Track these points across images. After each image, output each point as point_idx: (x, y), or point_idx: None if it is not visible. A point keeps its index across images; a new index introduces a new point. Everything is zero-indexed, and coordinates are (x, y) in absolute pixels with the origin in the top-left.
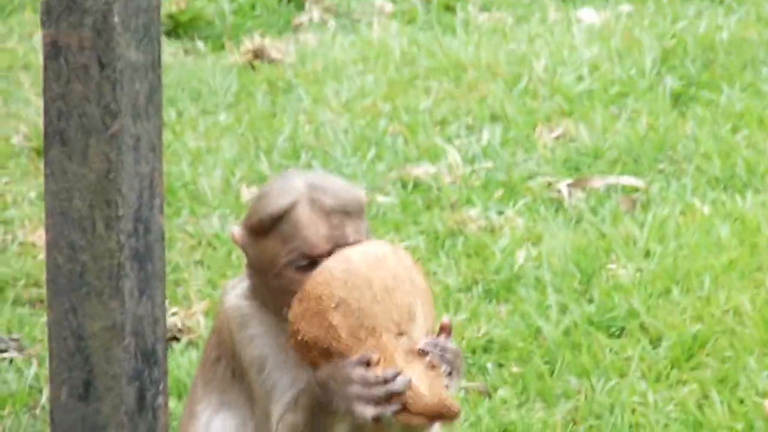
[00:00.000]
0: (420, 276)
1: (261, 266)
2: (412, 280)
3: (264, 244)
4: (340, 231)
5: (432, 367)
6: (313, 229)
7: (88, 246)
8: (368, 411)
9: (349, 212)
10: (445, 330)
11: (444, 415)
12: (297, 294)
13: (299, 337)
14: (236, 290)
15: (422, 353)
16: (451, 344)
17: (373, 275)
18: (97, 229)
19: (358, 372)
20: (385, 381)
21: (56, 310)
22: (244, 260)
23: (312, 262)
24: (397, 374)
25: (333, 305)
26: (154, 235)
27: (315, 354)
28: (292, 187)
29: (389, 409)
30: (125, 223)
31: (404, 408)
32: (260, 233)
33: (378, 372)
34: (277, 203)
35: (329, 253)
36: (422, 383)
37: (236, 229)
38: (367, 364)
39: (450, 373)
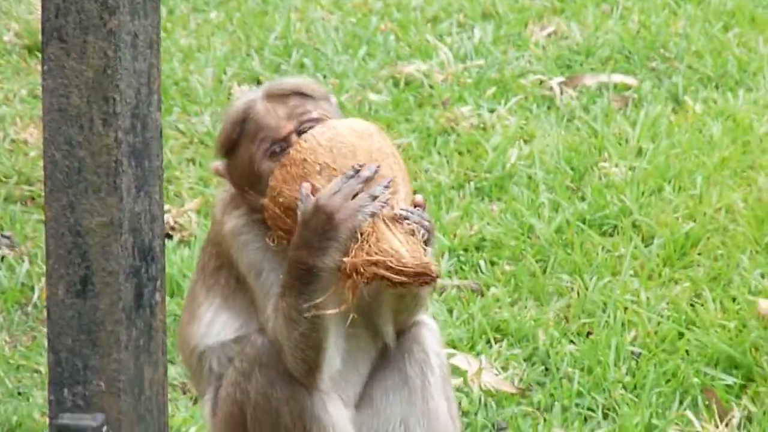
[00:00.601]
0: (400, 158)
1: (243, 179)
2: (395, 156)
3: (238, 155)
4: (300, 109)
5: (411, 233)
6: (273, 113)
7: (86, 142)
8: (358, 218)
9: (307, 94)
10: (420, 206)
11: (424, 275)
12: (281, 161)
13: (280, 201)
14: (234, 212)
15: (401, 218)
16: (427, 215)
17: (358, 145)
18: (94, 126)
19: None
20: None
21: (54, 207)
22: (230, 190)
23: (284, 147)
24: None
25: (317, 170)
26: (151, 132)
27: (291, 221)
28: (247, 96)
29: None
30: (123, 119)
31: (388, 268)
32: (230, 145)
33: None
34: (236, 110)
35: (298, 134)
36: (403, 247)
37: (216, 163)
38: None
39: (427, 241)
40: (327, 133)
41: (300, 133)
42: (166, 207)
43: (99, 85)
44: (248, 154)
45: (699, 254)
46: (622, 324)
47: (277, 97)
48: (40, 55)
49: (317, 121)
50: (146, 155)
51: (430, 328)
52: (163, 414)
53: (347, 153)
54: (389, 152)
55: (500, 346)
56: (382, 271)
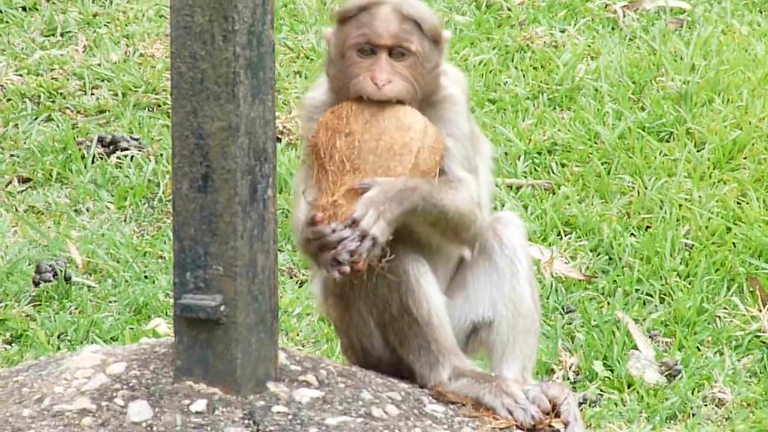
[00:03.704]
0: (427, 151)
1: (335, 50)
2: (418, 161)
3: (343, 29)
4: (407, 36)
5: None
6: (385, 23)
7: (208, 56)
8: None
9: (422, 27)
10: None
11: None
12: (334, 107)
13: (314, 138)
14: (317, 88)
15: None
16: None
17: (387, 134)
18: (215, 41)
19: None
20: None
21: (179, 113)
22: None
23: (372, 50)
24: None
25: (346, 131)
26: (265, 47)
27: (316, 163)
28: None
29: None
30: (240, 36)
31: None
32: (344, 19)
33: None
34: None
35: (390, 50)
36: None
37: (328, 30)
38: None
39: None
40: (372, 109)
41: (391, 51)
42: (277, 114)
43: (219, 5)
44: (348, 35)
45: (745, 158)
46: (677, 219)
47: (400, 13)
48: None
49: (411, 53)
50: (261, 67)
51: (515, 225)
52: (273, 296)
53: (374, 133)
54: (414, 154)
55: (569, 238)
56: None
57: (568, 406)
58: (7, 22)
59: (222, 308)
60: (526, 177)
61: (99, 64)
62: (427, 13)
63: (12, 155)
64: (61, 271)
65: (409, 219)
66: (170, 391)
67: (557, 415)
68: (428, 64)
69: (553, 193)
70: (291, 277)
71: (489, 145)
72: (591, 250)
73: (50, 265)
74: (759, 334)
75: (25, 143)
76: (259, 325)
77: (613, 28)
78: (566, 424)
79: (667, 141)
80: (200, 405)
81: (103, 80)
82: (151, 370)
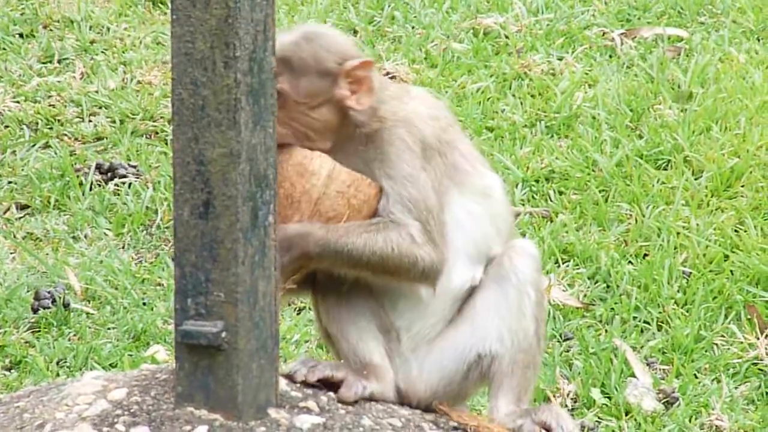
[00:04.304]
0: (344, 206)
1: None
2: (319, 207)
3: None
4: (277, 76)
5: None
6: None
7: (209, 82)
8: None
9: (291, 64)
10: None
11: None
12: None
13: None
14: None
15: None
16: None
17: (287, 181)
18: (217, 68)
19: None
20: None
21: (180, 139)
22: None
23: None
24: None
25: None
26: (266, 74)
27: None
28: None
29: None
30: (242, 62)
31: None
32: None
33: None
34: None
35: None
36: None
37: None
38: None
39: None
40: (283, 154)
41: None
42: None
43: (221, 32)
44: None
45: (742, 186)
46: (675, 247)
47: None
48: (162, 6)
49: (281, 94)
50: (262, 94)
51: (528, 255)
52: (274, 322)
53: (278, 181)
54: (314, 196)
55: (567, 266)
56: None
57: (562, 429)
58: (4, 48)
59: (223, 334)
60: (524, 204)
61: (96, 91)
62: (306, 47)
63: (10, 182)
64: (59, 297)
65: (309, 264)
66: (171, 417)
67: None
68: (315, 100)
69: (551, 221)
70: (289, 304)
71: (483, 177)
72: (589, 278)
73: (49, 292)
74: (756, 361)
75: (23, 170)
76: (261, 351)
77: (610, 56)
78: None
79: (665, 169)
80: (201, 431)
81: (100, 107)
82: (153, 396)
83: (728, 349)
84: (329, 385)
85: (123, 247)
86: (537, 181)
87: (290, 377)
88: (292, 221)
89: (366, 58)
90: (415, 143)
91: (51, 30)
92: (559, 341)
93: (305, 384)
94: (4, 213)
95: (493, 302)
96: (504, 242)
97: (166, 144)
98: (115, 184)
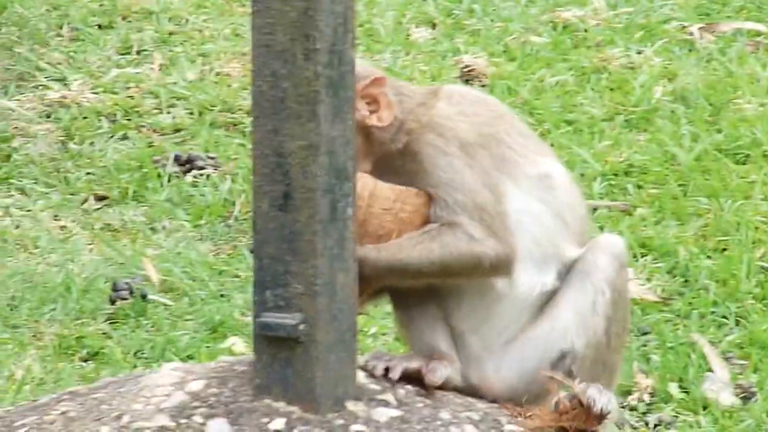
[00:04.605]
0: (393, 222)
1: None
2: (366, 228)
3: None
4: None
5: None
6: None
7: (289, 75)
8: None
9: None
10: None
11: None
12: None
13: None
14: None
15: None
16: None
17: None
18: (297, 60)
19: None
20: None
21: (260, 131)
22: None
23: None
24: None
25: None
26: (346, 66)
27: None
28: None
29: None
30: (322, 55)
31: None
32: None
33: None
34: None
35: None
36: None
37: None
38: None
39: None
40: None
41: None
42: None
43: (301, 24)
44: None
45: None
46: (753, 242)
47: None
48: None
49: None
50: (342, 86)
51: (610, 252)
52: (352, 314)
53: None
54: (359, 218)
55: (645, 260)
56: None
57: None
58: (83, 40)
59: (302, 327)
60: (602, 198)
61: (175, 83)
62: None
63: (88, 173)
64: (137, 289)
65: (371, 286)
66: (249, 409)
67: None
68: None
69: (630, 215)
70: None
71: (536, 165)
72: (667, 272)
73: (126, 283)
74: None
75: (101, 161)
76: (339, 343)
77: (689, 50)
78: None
79: (744, 163)
80: (279, 423)
81: (179, 99)
82: (230, 388)
83: None
84: (407, 377)
85: (200, 239)
86: (616, 175)
87: (369, 372)
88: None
89: (377, 75)
90: (447, 144)
91: (130, 21)
92: (636, 335)
93: (385, 379)
94: (82, 204)
95: (572, 299)
96: (579, 238)
97: (245, 136)
98: (193, 176)
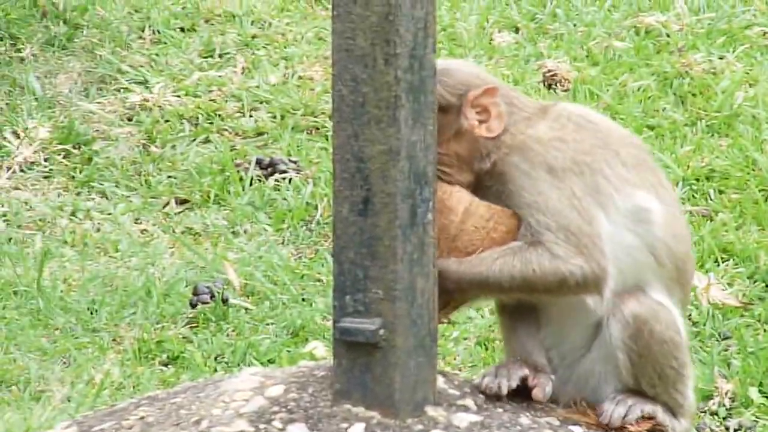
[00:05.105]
0: (484, 240)
1: None
2: (456, 243)
3: None
4: None
5: None
6: None
7: (369, 79)
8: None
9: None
10: None
11: None
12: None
13: None
14: None
15: None
16: None
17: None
18: (377, 65)
19: None
20: None
21: (340, 136)
22: None
23: None
24: None
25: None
26: (426, 71)
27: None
28: None
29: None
30: (402, 59)
31: None
32: None
33: None
34: None
35: None
36: None
37: None
38: None
39: None
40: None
41: None
42: None
43: (382, 29)
44: None
45: None
46: None
47: None
48: (324, 2)
49: None
50: (422, 91)
51: (623, 320)
52: (432, 319)
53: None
54: (452, 232)
55: (726, 265)
56: None
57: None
58: (165, 43)
59: (381, 332)
60: (684, 203)
61: (257, 86)
62: (444, 78)
63: (170, 176)
64: (218, 293)
65: (453, 299)
66: (329, 415)
67: None
68: (441, 136)
69: (711, 220)
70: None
71: (631, 198)
72: (748, 277)
73: (207, 287)
74: None
75: (182, 165)
76: (418, 348)
77: None
78: None
79: None
80: (358, 428)
81: (261, 102)
82: (310, 393)
83: None
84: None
85: (282, 243)
86: (697, 180)
87: (483, 391)
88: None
89: (490, 85)
90: (533, 168)
91: (212, 24)
92: (717, 340)
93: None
94: (164, 207)
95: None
96: (671, 282)
97: (327, 140)
98: (275, 180)
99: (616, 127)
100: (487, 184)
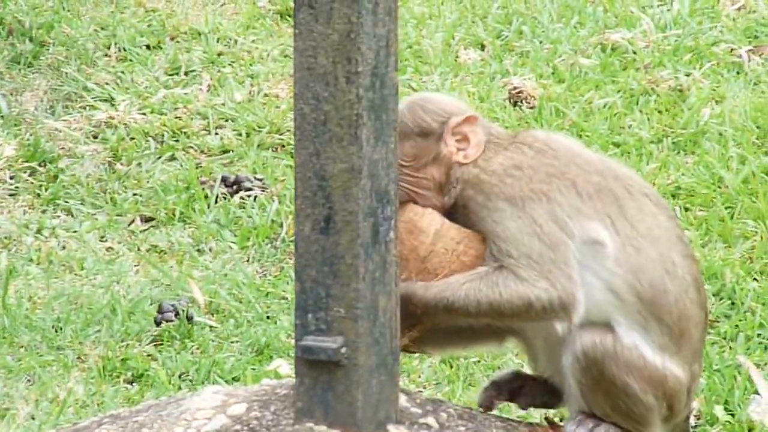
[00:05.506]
0: (453, 263)
1: None
2: (426, 265)
3: None
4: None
5: None
6: None
7: (331, 97)
8: None
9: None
10: None
11: None
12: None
13: None
14: None
15: None
16: None
17: (399, 239)
18: (339, 83)
19: None
20: None
21: (302, 154)
22: None
23: None
24: None
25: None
26: (388, 90)
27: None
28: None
29: None
30: (364, 78)
31: None
32: None
33: None
34: None
35: None
36: None
37: None
38: None
39: None
40: (401, 212)
41: None
42: None
43: (343, 47)
44: None
45: None
46: None
47: None
48: (291, 20)
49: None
50: (384, 109)
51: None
52: (394, 338)
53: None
54: (421, 254)
55: None
56: None
57: None
58: (131, 60)
59: (343, 350)
60: None
61: (223, 104)
62: (407, 113)
63: (135, 194)
64: (183, 310)
65: (420, 321)
66: None
67: None
68: (419, 161)
69: None
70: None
71: (583, 228)
72: (713, 295)
73: (172, 305)
74: None
75: (148, 182)
76: (381, 367)
77: (738, 73)
78: None
79: None
80: None
81: (227, 120)
82: (272, 411)
83: None
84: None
85: (248, 260)
86: (663, 197)
87: None
88: (401, 278)
89: (471, 114)
90: (489, 199)
91: (178, 42)
92: None
93: None
94: (129, 225)
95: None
96: (644, 313)
97: (293, 157)
98: (241, 197)
99: (585, 154)
100: (455, 217)
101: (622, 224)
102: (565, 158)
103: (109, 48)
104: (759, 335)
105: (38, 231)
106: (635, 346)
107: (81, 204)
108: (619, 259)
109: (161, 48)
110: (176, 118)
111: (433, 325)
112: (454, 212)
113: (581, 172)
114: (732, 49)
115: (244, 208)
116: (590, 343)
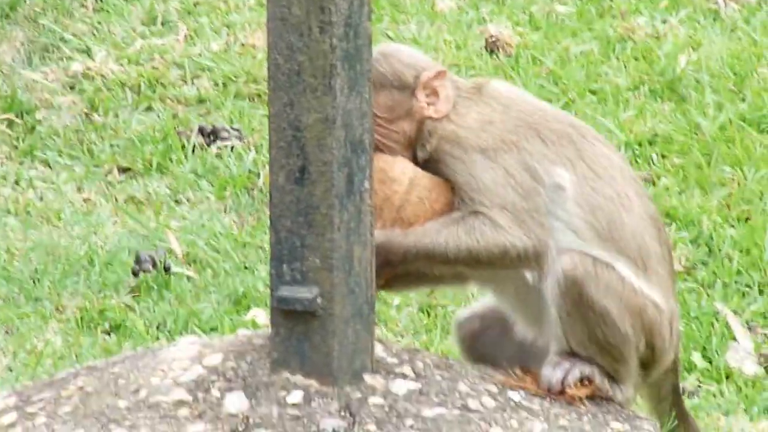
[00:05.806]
0: (426, 211)
1: None
2: (401, 215)
3: None
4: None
5: None
6: None
7: (305, 48)
8: None
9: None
10: None
11: None
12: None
13: None
14: None
15: None
16: None
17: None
18: (312, 33)
19: None
20: None
21: (276, 105)
22: None
23: None
24: None
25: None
26: (362, 39)
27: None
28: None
29: None
30: (337, 27)
31: None
32: None
33: None
34: None
35: None
36: None
37: None
38: None
39: None
40: (379, 161)
41: None
42: None
43: None
44: None
45: None
46: None
47: None
48: None
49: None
50: (357, 59)
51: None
52: (370, 288)
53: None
54: (396, 203)
55: (669, 230)
56: None
57: None
58: (107, 11)
59: (319, 300)
60: None
61: (200, 54)
62: (384, 62)
63: (112, 145)
64: (160, 261)
65: (397, 269)
66: (267, 383)
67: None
68: (393, 113)
69: (654, 185)
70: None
71: (549, 173)
72: (690, 242)
73: (150, 256)
74: None
75: (125, 133)
76: (356, 317)
77: (714, 19)
78: None
79: None
80: (297, 396)
81: (203, 70)
82: (248, 361)
83: None
84: None
85: (225, 211)
86: (640, 145)
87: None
88: (376, 227)
89: (441, 68)
90: (465, 152)
91: None
92: None
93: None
94: (106, 176)
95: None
96: (608, 250)
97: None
98: (218, 147)
99: (541, 105)
100: (425, 170)
101: (581, 166)
102: (528, 109)
103: None
104: (736, 282)
105: (16, 182)
106: (614, 268)
107: (58, 155)
108: (578, 199)
109: None
110: (153, 68)
111: (404, 272)
112: (426, 166)
113: (542, 121)
114: None
115: (221, 158)
116: (570, 264)
